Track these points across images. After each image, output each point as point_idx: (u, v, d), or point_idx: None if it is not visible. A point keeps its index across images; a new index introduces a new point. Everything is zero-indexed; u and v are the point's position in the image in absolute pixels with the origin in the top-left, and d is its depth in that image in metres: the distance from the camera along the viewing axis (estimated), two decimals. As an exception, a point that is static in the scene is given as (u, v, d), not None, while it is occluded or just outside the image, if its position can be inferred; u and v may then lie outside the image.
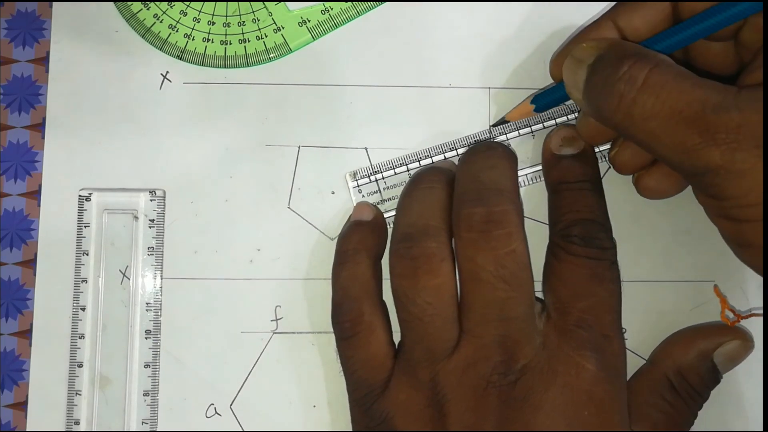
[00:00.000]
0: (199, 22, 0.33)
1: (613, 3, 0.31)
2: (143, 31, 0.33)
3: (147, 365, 0.32)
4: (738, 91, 0.25)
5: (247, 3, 0.34)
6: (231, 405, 0.32)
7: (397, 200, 0.32)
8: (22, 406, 0.33)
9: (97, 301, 0.33)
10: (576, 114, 0.33)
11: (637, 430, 0.29)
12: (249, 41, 0.33)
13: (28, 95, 0.34)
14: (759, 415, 0.32)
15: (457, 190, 0.29)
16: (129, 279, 0.33)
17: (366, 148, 0.33)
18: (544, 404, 0.27)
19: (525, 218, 0.32)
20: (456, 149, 0.33)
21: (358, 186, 0.33)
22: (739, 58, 0.29)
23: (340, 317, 0.30)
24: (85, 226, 0.33)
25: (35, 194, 0.33)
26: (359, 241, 0.31)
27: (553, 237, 0.30)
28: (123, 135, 0.33)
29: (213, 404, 0.32)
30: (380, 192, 0.33)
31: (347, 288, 0.30)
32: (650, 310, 0.33)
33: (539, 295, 0.30)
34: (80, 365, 0.32)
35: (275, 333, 0.33)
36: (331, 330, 0.31)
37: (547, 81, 0.33)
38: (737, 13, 0.27)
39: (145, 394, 0.32)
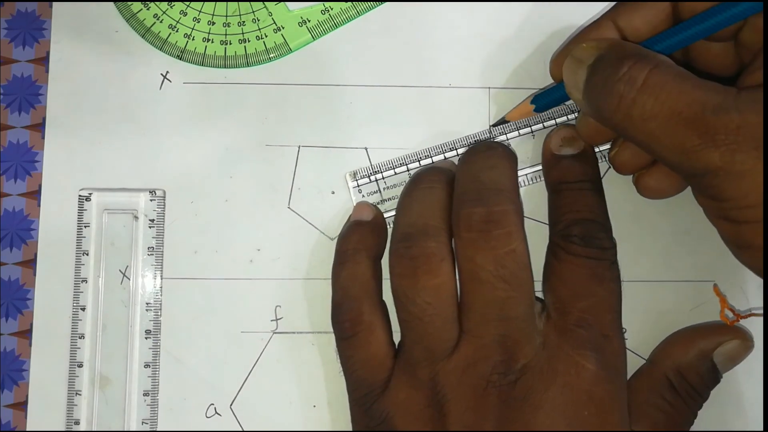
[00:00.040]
0: (199, 22, 0.33)
1: (613, 3, 0.31)
2: (143, 31, 0.33)
3: (147, 365, 0.32)
4: (738, 93, 0.25)
5: (247, 3, 0.34)
6: (231, 405, 0.32)
7: (397, 200, 0.32)
8: (22, 406, 0.33)
9: (97, 301, 0.33)
10: (576, 114, 0.33)
11: (637, 430, 0.29)
12: (249, 41, 0.33)
13: (28, 95, 0.34)
14: (759, 415, 0.32)
15: (457, 190, 0.29)
16: (129, 279, 0.33)
17: (366, 148, 0.33)
18: (544, 404, 0.27)
19: (525, 218, 0.32)
20: (456, 149, 0.33)
21: (358, 186, 0.33)
22: (739, 58, 0.29)
23: (339, 317, 0.30)
24: (85, 226, 0.33)
25: (35, 194, 0.33)
26: (359, 240, 0.31)
27: (553, 237, 0.30)
28: (123, 135, 0.33)
29: (213, 404, 0.32)
30: (380, 192, 0.33)
31: (347, 288, 0.30)
32: (650, 310, 0.33)
33: (539, 295, 0.30)
34: (80, 365, 0.32)
35: (275, 333, 0.33)
36: (331, 330, 0.31)
37: (547, 81, 0.33)
38: (737, 14, 0.27)
39: (145, 394, 0.32)
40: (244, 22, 0.34)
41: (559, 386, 0.27)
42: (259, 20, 0.34)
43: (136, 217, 0.33)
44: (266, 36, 0.33)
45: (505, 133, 0.33)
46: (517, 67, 0.34)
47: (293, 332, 0.33)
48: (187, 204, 0.33)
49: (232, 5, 0.34)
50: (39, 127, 0.34)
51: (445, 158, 0.33)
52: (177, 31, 0.33)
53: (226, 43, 0.33)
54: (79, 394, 0.32)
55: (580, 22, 0.33)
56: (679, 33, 0.28)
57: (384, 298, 0.31)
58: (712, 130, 0.24)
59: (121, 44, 0.34)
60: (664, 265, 0.33)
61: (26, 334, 0.33)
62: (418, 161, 0.33)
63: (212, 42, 0.33)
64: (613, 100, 0.26)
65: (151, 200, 0.33)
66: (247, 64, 0.33)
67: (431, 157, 0.33)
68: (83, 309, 0.32)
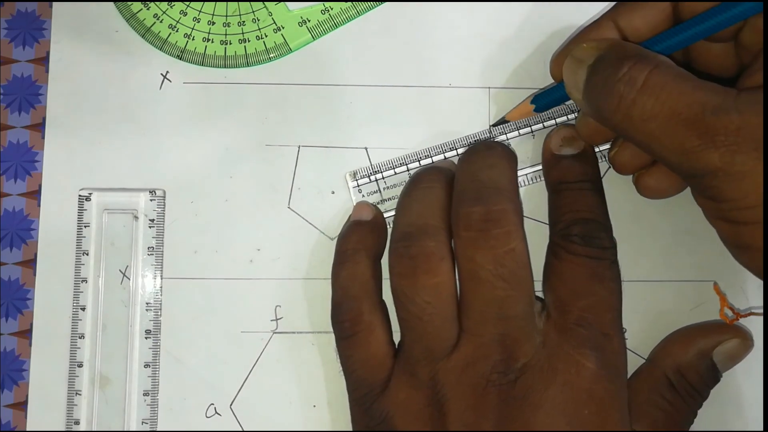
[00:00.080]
0: (199, 21, 0.33)
1: (613, 3, 0.31)
2: (143, 31, 0.33)
3: (147, 365, 0.32)
4: (738, 94, 0.25)
5: (247, 3, 0.34)
6: (231, 405, 0.32)
7: (397, 200, 0.32)
8: (22, 405, 0.33)
9: (97, 300, 0.33)
10: (576, 114, 0.33)
11: (637, 429, 0.29)
12: (249, 41, 0.33)
13: (28, 95, 0.34)
14: (758, 415, 0.32)
15: (456, 190, 0.29)
16: (129, 279, 0.33)
17: (366, 148, 0.33)
18: (543, 403, 0.27)
19: (525, 218, 0.32)
20: (456, 149, 0.33)
21: (358, 186, 0.33)
22: (740, 59, 0.29)
23: (339, 317, 0.30)
24: (85, 226, 0.33)
25: (35, 194, 0.33)
26: (358, 240, 0.31)
27: (553, 236, 0.30)
28: (123, 135, 0.33)
29: (213, 404, 0.32)
30: (380, 192, 0.33)
31: (347, 287, 0.30)
32: (650, 310, 0.33)
33: (540, 294, 0.30)
34: (80, 365, 0.32)
35: (275, 333, 0.33)
36: (331, 330, 0.31)
37: (546, 81, 0.33)
38: (737, 14, 0.27)
39: (145, 394, 0.32)
40: (244, 22, 0.34)
41: (559, 385, 0.27)
42: (259, 20, 0.34)
43: (136, 217, 0.33)
44: (266, 36, 0.34)
45: (505, 133, 0.33)
46: (517, 67, 0.34)
47: (293, 332, 0.33)
48: (187, 204, 0.33)
49: (232, 5, 0.34)
50: (39, 127, 0.34)
51: (445, 158, 0.33)
52: (177, 31, 0.33)
53: (226, 43, 0.33)
54: (79, 394, 0.32)
55: (580, 22, 0.33)
56: (679, 33, 0.28)
57: (384, 298, 0.31)
58: (712, 130, 0.24)
59: (121, 44, 0.34)
60: (664, 265, 0.33)
61: (26, 334, 0.33)
62: (418, 161, 0.33)
63: (212, 42, 0.33)
64: (613, 100, 0.26)
65: (151, 200, 0.33)
66: (247, 64, 0.33)
67: (431, 157, 0.33)
68: (83, 309, 0.32)
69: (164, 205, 0.33)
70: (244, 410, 0.32)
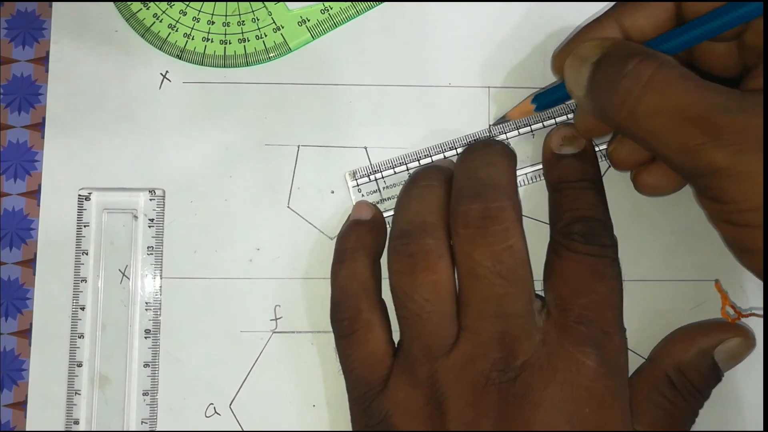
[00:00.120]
0: (198, 21, 0.33)
1: (612, 2, 0.31)
2: (143, 31, 0.33)
3: (146, 365, 0.32)
4: (742, 94, 0.25)
5: (247, 2, 0.34)
6: (230, 405, 0.32)
7: (396, 200, 0.32)
8: (21, 405, 0.32)
9: (96, 300, 0.33)
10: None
11: (637, 428, 0.29)
12: (248, 41, 0.33)
13: (28, 95, 0.34)
14: (758, 415, 0.32)
15: (455, 187, 0.29)
16: (128, 278, 0.33)
17: (365, 148, 0.33)
18: (543, 401, 0.27)
19: (525, 218, 0.32)
20: (456, 148, 0.33)
21: (358, 185, 0.33)
22: (743, 60, 0.29)
23: (338, 315, 0.30)
24: (85, 226, 0.33)
25: (35, 194, 0.33)
26: (357, 239, 0.31)
27: (554, 235, 0.30)
28: (123, 134, 0.33)
29: (212, 404, 0.32)
30: (380, 191, 0.33)
31: (346, 286, 0.30)
32: (650, 309, 0.33)
33: (540, 294, 0.30)
34: (80, 365, 0.32)
35: (275, 332, 0.33)
36: (331, 329, 0.31)
37: (546, 80, 0.33)
38: (743, 15, 0.27)
39: (145, 394, 0.32)
40: (243, 21, 0.34)
41: (558, 383, 0.27)
42: (258, 20, 0.34)
43: (135, 217, 0.33)
44: (266, 35, 0.34)
45: (505, 132, 0.33)
46: (516, 66, 0.34)
47: (293, 332, 0.33)
48: (187, 203, 0.33)
49: (232, 5, 0.34)
50: (39, 126, 0.34)
51: (445, 157, 0.33)
52: (176, 30, 0.33)
53: (226, 43, 0.33)
54: (79, 394, 0.32)
55: (580, 22, 0.33)
56: (684, 34, 0.28)
57: (384, 297, 0.31)
58: (718, 129, 0.24)
59: (120, 44, 0.34)
60: (664, 264, 0.33)
61: (26, 333, 0.33)
62: (418, 161, 0.33)
63: (212, 41, 0.33)
64: (618, 97, 0.26)
65: (150, 200, 0.33)
66: (247, 64, 0.33)
67: (431, 156, 0.33)
68: (83, 308, 0.32)
69: (164, 204, 0.33)
70: (243, 410, 0.32)
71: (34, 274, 0.33)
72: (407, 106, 0.33)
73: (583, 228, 0.29)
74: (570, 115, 0.33)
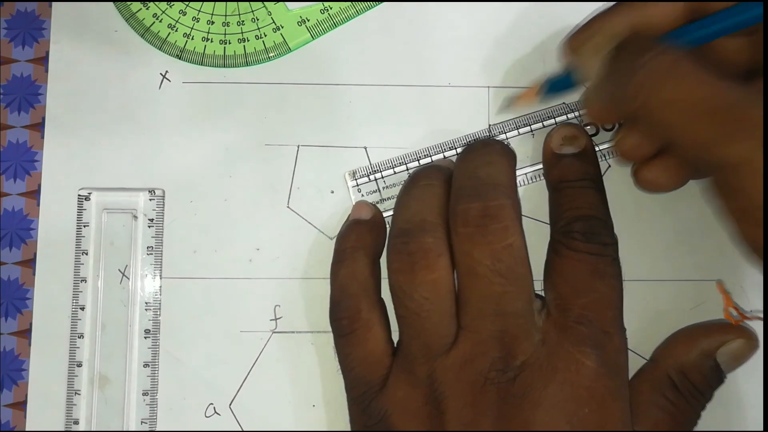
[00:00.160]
0: (198, 21, 0.33)
1: (613, 2, 0.31)
2: (142, 31, 0.33)
3: (146, 365, 0.32)
4: (759, 89, 0.24)
5: (246, 2, 0.34)
6: (230, 405, 0.32)
7: (395, 199, 0.32)
8: (21, 405, 0.32)
9: (96, 300, 0.33)
10: (576, 114, 0.33)
11: (638, 430, 0.29)
12: (248, 40, 0.33)
13: (28, 95, 0.34)
14: (759, 415, 0.32)
15: (454, 187, 0.29)
16: (128, 278, 0.33)
17: (365, 148, 0.33)
18: (543, 401, 0.27)
19: (525, 217, 0.32)
20: (455, 148, 0.33)
21: (358, 185, 0.33)
22: (755, 55, 0.29)
23: (337, 314, 0.30)
24: (85, 226, 0.33)
25: (35, 194, 0.33)
26: (357, 239, 0.31)
27: (554, 234, 0.30)
28: (122, 134, 0.33)
29: (212, 404, 0.32)
30: (379, 191, 0.33)
31: (345, 285, 0.30)
32: (650, 309, 0.32)
33: (540, 294, 0.30)
34: (79, 365, 0.32)
35: (274, 332, 0.33)
36: (330, 329, 0.31)
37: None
38: (759, 15, 0.26)
39: (144, 394, 0.32)
40: (243, 21, 0.34)
41: (558, 383, 0.27)
42: (258, 19, 0.34)
43: (135, 217, 0.33)
44: (265, 35, 0.34)
45: (505, 132, 0.33)
46: (516, 66, 0.34)
47: (292, 332, 0.33)
48: (187, 203, 0.33)
49: (231, 5, 0.34)
50: (38, 126, 0.34)
51: (445, 157, 0.33)
52: (176, 30, 0.33)
53: (226, 43, 0.33)
54: (79, 394, 0.32)
55: (579, 22, 0.33)
56: (701, 29, 0.27)
57: (384, 297, 0.31)
58: (735, 123, 0.24)
59: (120, 44, 0.34)
60: (664, 264, 0.33)
61: (26, 333, 0.33)
62: (418, 160, 0.33)
63: (211, 41, 0.33)
64: (634, 87, 0.26)
65: (150, 200, 0.33)
66: (247, 64, 0.33)
67: (431, 156, 0.33)
68: (82, 308, 0.32)
69: (163, 204, 0.33)
70: (243, 410, 0.32)
71: (34, 274, 0.33)
72: (407, 106, 0.33)
73: (583, 226, 0.29)
74: (570, 115, 0.33)
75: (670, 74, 0.25)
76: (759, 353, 0.31)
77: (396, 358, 0.29)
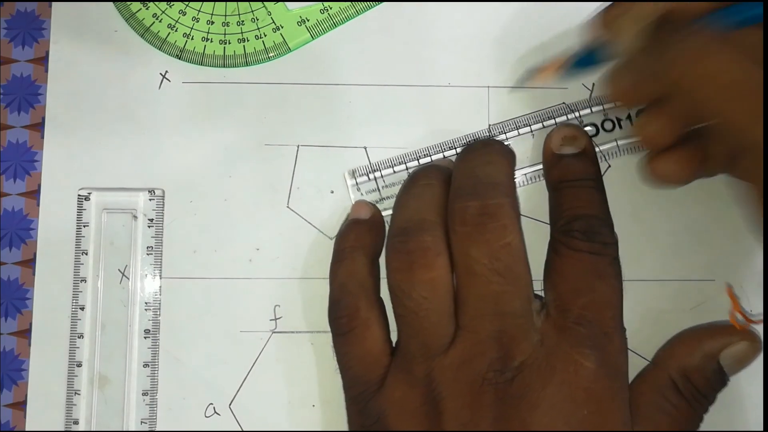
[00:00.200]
0: (198, 21, 0.33)
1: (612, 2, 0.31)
2: (142, 31, 0.33)
3: (146, 365, 0.32)
4: None
5: (246, 2, 0.34)
6: (230, 404, 0.32)
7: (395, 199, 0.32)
8: (21, 405, 0.33)
9: (96, 300, 0.33)
10: (576, 114, 0.33)
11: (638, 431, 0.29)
12: (248, 40, 0.33)
13: (28, 95, 0.34)
14: (759, 415, 0.32)
15: (453, 186, 0.29)
16: (128, 278, 0.33)
17: (365, 148, 0.33)
18: (541, 402, 0.27)
19: (525, 217, 0.31)
20: (455, 148, 0.33)
21: (357, 184, 0.33)
22: None
23: (336, 313, 0.30)
24: (85, 226, 0.33)
25: (34, 194, 0.33)
26: (356, 239, 0.31)
27: (554, 233, 0.30)
28: (122, 134, 0.33)
29: (212, 404, 0.32)
30: (379, 191, 0.33)
31: (344, 285, 0.30)
32: (650, 309, 0.32)
33: (540, 295, 0.30)
34: (79, 365, 0.32)
35: (274, 332, 0.33)
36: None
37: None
38: None
39: (144, 394, 0.32)
40: (243, 21, 0.34)
41: (557, 384, 0.27)
42: (258, 19, 0.34)
43: (135, 217, 0.33)
44: (265, 35, 0.34)
45: (505, 132, 0.33)
46: (516, 66, 0.34)
47: (292, 332, 0.33)
48: (186, 203, 0.33)
49: (231, 5, 0.34)
50: (38, 126, 0.34)
51: (444, 157, 0.33)
52: (176, 30, 0.33)
53: (225, 43, 0.33)
54: (78, 394, 0.32)
55: (580, 22, 0.33)
56: (735, 14, 0.27)
57: (383, 298, 0.31)
58: None
59: (120, 44, 0.34)
60: (665, 264, 0.33)
61: (25, 333, 0.33)
62: (417, 160, 0.33)
63: (211, 41, 0.33)
64: (671, 60, 0.26)
65: (150, 200, 0.33)
66: (246, 64, 0.33)
67: (430, 156, 0.33)
68: (82, 308, 0.32)
69: (163, 204, 0.33)
70: (243, 410, 0.32)
71: (34, 274, 0.33)
72: (407, 106, 0.33)
73: (583, 225, 0.29)
74: (570, 115, 0.33)
75: (710, 50, 0.25)
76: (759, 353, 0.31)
77: (394, 358, 0.29)
